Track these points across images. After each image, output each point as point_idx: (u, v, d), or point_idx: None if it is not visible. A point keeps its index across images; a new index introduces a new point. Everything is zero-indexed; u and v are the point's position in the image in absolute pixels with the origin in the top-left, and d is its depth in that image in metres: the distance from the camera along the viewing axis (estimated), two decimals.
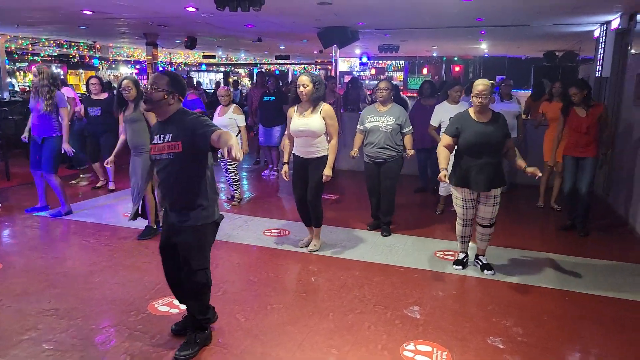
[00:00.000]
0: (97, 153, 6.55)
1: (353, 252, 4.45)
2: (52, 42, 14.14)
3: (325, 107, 4.15)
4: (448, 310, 3.42)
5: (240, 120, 5.83)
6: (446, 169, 3.77)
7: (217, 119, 5.83)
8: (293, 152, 4.37)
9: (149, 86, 2.62)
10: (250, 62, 23.82)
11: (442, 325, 3.18)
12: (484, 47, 13.98)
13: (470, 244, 4.18)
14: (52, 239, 4.82)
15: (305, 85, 4.04)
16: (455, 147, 3.91)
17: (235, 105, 5.93)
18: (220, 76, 23.45)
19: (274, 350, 2.83)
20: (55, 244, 4.68)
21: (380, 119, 4.70)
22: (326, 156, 4.19)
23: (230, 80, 21.10)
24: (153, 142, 2.70)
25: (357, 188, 7.29)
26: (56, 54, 16.38)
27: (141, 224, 4.76)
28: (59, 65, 16.54)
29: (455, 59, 18.91)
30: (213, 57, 19.96)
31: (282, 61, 19.58)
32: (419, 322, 3.21)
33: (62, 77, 15.63)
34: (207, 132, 2.46)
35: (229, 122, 5.78)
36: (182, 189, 2.64)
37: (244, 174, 7.92)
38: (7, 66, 14.00)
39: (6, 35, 12.13)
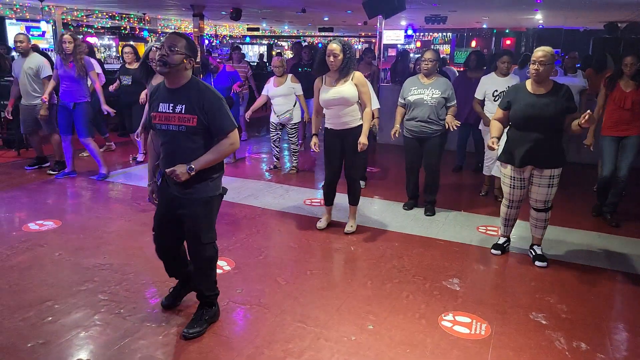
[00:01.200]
0: (130, 123, 6.48)
1: (393, 224, 4.45)
2: (104, 13, 14.52)
3: (357, 74, 3.91)
4: (489, 284, 3.40)
5: (298, 89, 5.95)
6: (497, 138, 3.53)
7: (274, 89, 5.93)
8: (326, 126, 4.12)
9: (166, 48, 2.39)
10: (294, 34, 23.69)
11: (482, 299, 3.16)
12: (538, 18, 13.28)
13: (523, 226, 4.01)
14: (104, 200, 5.07)
15: (336, 55, 3.76)
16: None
17: (291, 74, 6.04)
18: (263, 49, 23.49)
19: (312, 312, 2.90)
20: (107, 205, 4.92)
21: (424, 92, 4.48)
22: (362, 125, 3.96)
23: (274, 52, 21.11)
24: (158, 110, 2.49)
25: (399, 162, 7.24)
26: (108, 26, 16.86)
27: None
28: (112, 37, 17.02)
29: (507, 31, 18.09)
30: (257, 29, 19.96)
31: (325, 34, 19.32)
32: (458, 294, 3.20)
33: (115, 48, 16.12)
34: (224, 128, 2.46)
35: (288, 91, 5.91)
36: (191, 161, 2.47)
37: (284, 145, 8.00)
38: None
39: (63, 6, 12.55)
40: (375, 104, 5.11)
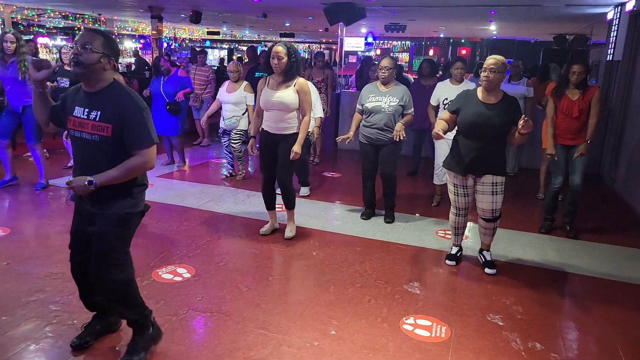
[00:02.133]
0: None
1: (354, 229, 4.48)
2: (57, 13, 14.00)
3: (300, 81, 3.87)
4: (448, 288, 3.47)
5: (250, 99, 5.72)
6: (441, 130, 3.44)
7: (226, 95, 5.75)
8: (262, 127, 4.06)
9: (79, 47, 2.12)
10: (255, 39, 23.60)
11: (442, 302, 3.22)
12: (492, 29, 13.81)
13: (472, 225, 4.15)
14: (57, 207, 4.85)
15: (280, 57, 3.71)
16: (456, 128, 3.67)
17: (246, 82, 5.86)
18: (224, 53, 23.26)
19: (274, 318, 2.88)
20: (60, 212, 4.71)
21: (382, 99, 4.47)
22: (297, 134, 3.90)
23: (234, 57, 20.92)
24: (73, 114, 2.23)
25: (358, 167, 7.30)
26: (61, 26, 16.26)
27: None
28: (64, 37, 16.42)
29: (463, 41, 18.74)
30: (217, 33, 19.78)
31: (287, 39, 19.38)
32: (418, 297, 3.25)
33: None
34: (138, 142, 2.17)
35: (239, 99, 5.72)
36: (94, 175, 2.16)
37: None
38: None
39: (12, 5, 12.01)
40: (318, 112, 5.10)
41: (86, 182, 2.10)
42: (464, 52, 18.63)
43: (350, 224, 4.61)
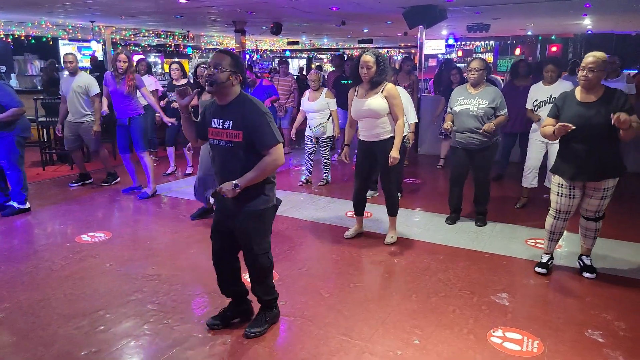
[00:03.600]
0: (172, 138, 6.66)
1: (437, 236, 4.37)
2: (151, 32, 15.14)
3: (388, 86, 3.87)
4: (540, 300, 3.26)
5: (332, 104, 5.93)
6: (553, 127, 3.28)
7: (309, 104, 5.95)
8: (359, 137, 4.11)
9: (212, 67, 2.48)
10: (333, 47, 23.87)
11: (534, 314, 3.03)
12: (587, 23, 12.81)
13: (566, 234, 3.86)
14: (154, 213, 5.22)
15: (369, 67, 3.74)
16: None
17: (327, 89, 6.05)
18: (303, 62, 23.76)
19: (357, 325, 2.87)
20: (157, 217, 5.06)
21: (471, 102, 4.37)
22: (392, 137, 3.92)
23: (313, 65, 21.31)
24: (211, 125, 2.59)
25: (442, 173, 7.12)
26: (154, 44, 17.54)
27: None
28: (157, 54, 17.68)
29: (553, 37, 17.57)
30: (297, 43, 20.27)
31: (365, 45, 19.38)
32: (507, 309, 3.09)
33: (160, 65, 16.75)
34: (265, 143, 2.49)
35: (321, 106, 5.91)
36: (238, 178, 2.51)
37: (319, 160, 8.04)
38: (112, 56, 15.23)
39: (112, 26, 13.18)
40: (412, 118, 5.06)
41: (232, 186, 2.46)
42: (554, 49, 17.43)
43: (432, 231, 4.50)
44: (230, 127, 2.51)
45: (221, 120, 2.55)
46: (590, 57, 3.22)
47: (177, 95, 2.62)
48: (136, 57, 6.68)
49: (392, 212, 4.22)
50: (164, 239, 4.34)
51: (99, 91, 5.75)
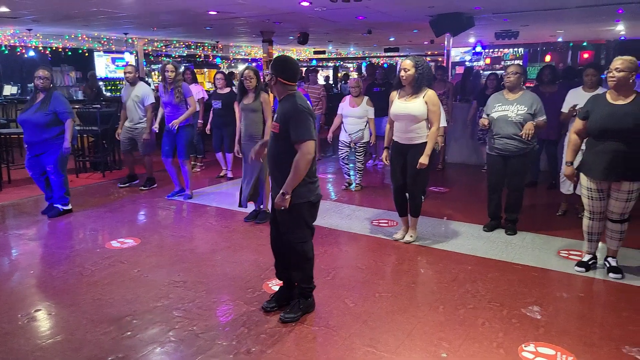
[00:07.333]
0: (219, 144, 6.95)
1: (464, 246, 4.27)
2: (181, 43, 15.47)
3: (429, 93, 4.01)
4: (574, 314, 3.14)
5: (372, 112, 6.10)
6: (572, 163, 3.44)
7: (350, 110, 6.09)
8: (393, 138, 4.24)
9: (269, 72, 2.92)
10: (359, 56, 23.88)
11: (567, 329, 2.92)
12: (620, 29, 12.46)
13: (601, 244, 3.77)
14: (181, 219, 5.29)
15: (406, 70, 3.96)
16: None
17: (367, 97, 6.18)
18: (329, 71, 23.84)
19: (382, 336, 2.82)
20: (183, 224, 5.13)
21: (509, 108, 4.31)
22: (425, 143, 4.02)
23: (340, 75, 21.36)
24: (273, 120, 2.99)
25: (469, 182, 7.01)
26: (185, 54, 17.92)
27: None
28: (187, 64, 18.06)
29: (584, 44, 17.14)
30: (323, 52, 20.36)
31: (391, 54, 19.32)
32: (539, 322, 2.98)
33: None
34: (297, 136, 2.73)
35: (362, 113, 6.07)
36: (279, 165, 2.85)
37: (351, 165, 8.02)
38: (144, 67, 15.60)
39: (144, 38, 13.51)
40: (442, 122, 5.03)
41: (281, 195, 2.76)
42: (586, 55, 17.01)
43: (459, 241, 4.40)
44: (275, 120, 2.88)
45: (275, 115, 2.94)
46: (618, 60, 3.32)
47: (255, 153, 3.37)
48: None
49: (415, 214, 4.34)
50: (190, 245, 4.37)
51: (153, 101, 6.16)
